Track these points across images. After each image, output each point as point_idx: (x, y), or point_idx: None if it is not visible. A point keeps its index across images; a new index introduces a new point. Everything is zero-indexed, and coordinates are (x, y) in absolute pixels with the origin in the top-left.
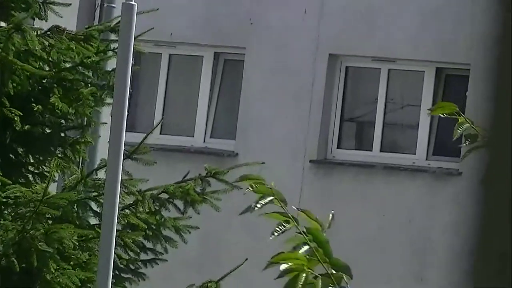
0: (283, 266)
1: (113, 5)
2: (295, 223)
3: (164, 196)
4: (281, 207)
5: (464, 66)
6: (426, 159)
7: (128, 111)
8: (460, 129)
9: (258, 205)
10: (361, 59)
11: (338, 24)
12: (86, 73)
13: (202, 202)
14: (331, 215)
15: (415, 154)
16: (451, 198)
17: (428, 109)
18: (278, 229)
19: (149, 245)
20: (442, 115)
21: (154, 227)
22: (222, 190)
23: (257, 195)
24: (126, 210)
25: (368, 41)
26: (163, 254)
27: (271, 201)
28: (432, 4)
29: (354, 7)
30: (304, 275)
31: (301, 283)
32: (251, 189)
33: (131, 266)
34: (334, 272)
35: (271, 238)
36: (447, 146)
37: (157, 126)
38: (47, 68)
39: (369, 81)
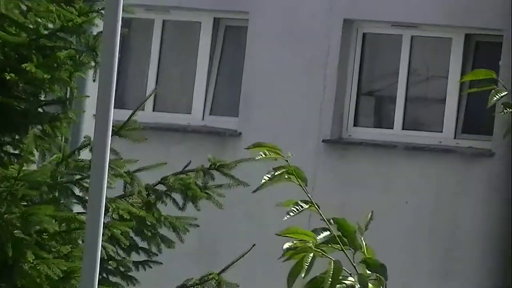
0: (286, 245)
1: None
2: (316, 206)
3: (161, 188)
4: (299, 185)
5: (496, 32)
6: (455, 138)
7: (116, 84)
8: (497, 95)
9: (268, 176)
10: (379, 24)
11: None
12: (68, 38)
13: (204, 197)
14: (370, 214)
15: (441, 132)
16: (483, 182)
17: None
18: (294, 210)
19: (141, 243)
20: (473, 88)
21: (149, 224)
22: (226, 185)
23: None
24: (118, 201)
25: (387, 3)
26: (157, 255)
27: (284, 174)
28: None
29: None
30: (312, 255)
31: (307, 264)
32: (263, 156)
33: (121, 268)
34: (368, 272)
35: (285, 218)
36: (478, 123)
37: (147, 99)
38: (24, 34)
39: (389, 49)
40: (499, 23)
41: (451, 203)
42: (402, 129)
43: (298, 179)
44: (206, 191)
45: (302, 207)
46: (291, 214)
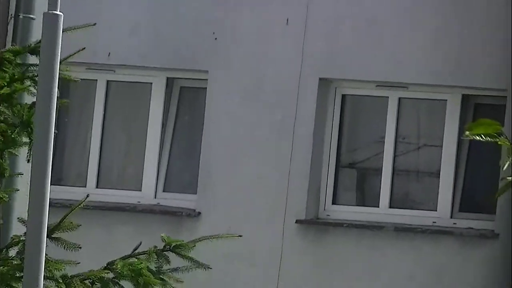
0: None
1: (32, 16)
2: None
3: (108, 275)
4: None
5: (498, 92)
6: (451, 217)
7: (53, 158)
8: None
9: None
10: (362, 84)
11: (329, 38)
12: None
13: (159, 284)
14: None
15: (436, 210)
16: (484, 268)
17: (466, 131)
18: None
19: None
20: (475, 138)
21: None
22: (184, 268)
23: None
24: None
25: (371, 60)
26: None
27: None
28: (452, 8)
29: (349, 15)
30: None
31: None
32: None
33: None
34: None
35: None
36: (478, 200)
37: (81, 203)
38: None
39: (373, 114)
40: (502, 82)
41: None
42: (390, 207)
43: None
44: (161, 276)
45: None
46: None
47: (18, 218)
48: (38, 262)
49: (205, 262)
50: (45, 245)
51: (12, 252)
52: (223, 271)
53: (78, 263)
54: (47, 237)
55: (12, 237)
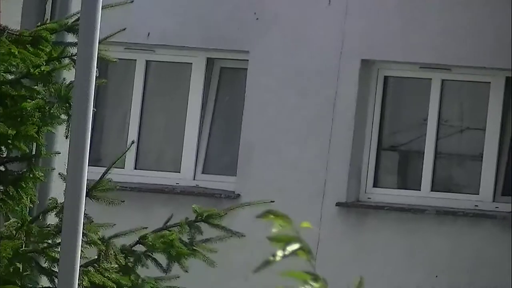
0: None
1: None
2: (325, 285)
3: (140, 248)
4: (309, 261)
5: None
6: (493, 201)
7: (91, 138)
8: None
9: (278, 256)
10: (404, 66)
11: (371, 19)
12: (34, 87)
13: (192, 255)
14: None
15: (478, 194)
16: None
17: None
18: None
19: None
20: None
21: None
22: (217, 238)
23: (278, 244)
24: (89, 268)
25: (414, 42)
26: None
27: (295, 251)
28: None
29: None
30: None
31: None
32: (275, 230)
33: None
34: None
35: None
36: None
37: (125, 153)
38: None
39: (416, 96)
40: None
41: (490, 278)
42: (431, 190)
43: (308, 255)
44: (193, 247)
45: (312, 286)
46: None
47: (50, 199)
48: (75, 229)
49: (241, 246)
50: (82, 219)
51: (50, 219)
52: (261, 254)
53: (114, 224)
54: (86, 196)
55: (50, 200)
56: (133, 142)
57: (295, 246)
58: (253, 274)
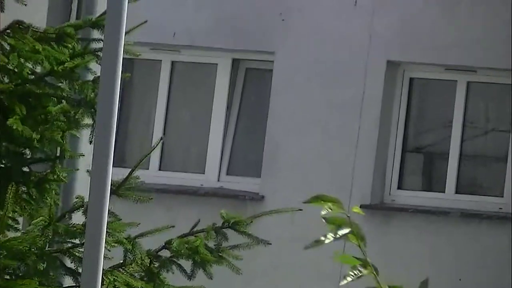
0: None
1: None
2: (374, 272)
3: (165, 254)
4: (359, 245)
5: None
6: None
7: (116, 138)
8: None
9: (328, 239)
10: (430, 67)
11: (397, 20)
12: (59, 85)
13: (217, 262)
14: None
15: (502, 196)
16: None
17: None
18: (352, 274)
19: None
20: None
21: None
22: (244, 245)
23: (329, 226)
24: (116, 273)
25: (439, 43)
26: None
27: (346, 235)
28: None
29: None
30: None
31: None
32: (324, 212)
33: None
34: None
35: (342, 283)
36: None
37: (150, 153)
38: (6, 79)
39: (441, 97)
40: None
41: None
42: (456, 192)
43: (358, 240)
44: (219, 254)
45: (361, 272)
46: (348, 279)
47: (76, 197)
48: (100, 228)
49: (265, 249)
50: (106, 217)
51: (76, 219)
52: (287, 256)
53: (139, 223)
54: (113, 194)
55: (76, 198)
56: (161, 139)
57: (346, 230)
58: (304, 250)
